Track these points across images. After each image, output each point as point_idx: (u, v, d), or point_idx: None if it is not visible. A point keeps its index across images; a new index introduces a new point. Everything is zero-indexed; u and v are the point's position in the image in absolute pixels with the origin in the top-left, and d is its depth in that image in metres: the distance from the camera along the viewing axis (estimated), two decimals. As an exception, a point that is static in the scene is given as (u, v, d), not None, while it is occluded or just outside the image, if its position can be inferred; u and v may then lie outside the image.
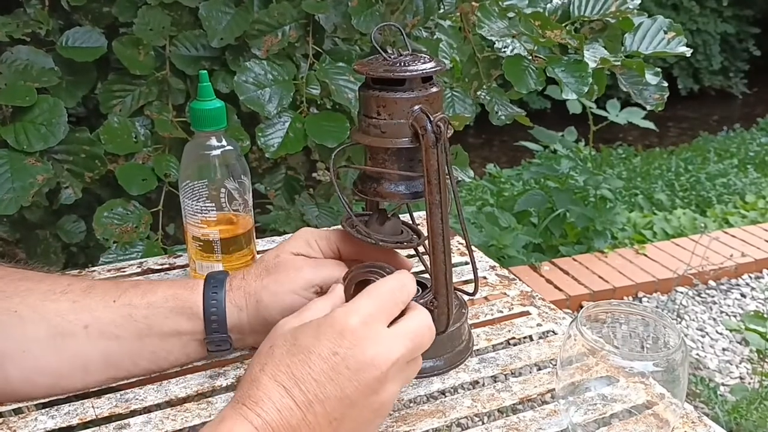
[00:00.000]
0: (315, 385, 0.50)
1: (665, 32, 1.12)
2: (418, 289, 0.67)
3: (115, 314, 0.62)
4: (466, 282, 0.83)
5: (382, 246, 0.64)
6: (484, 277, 0.85)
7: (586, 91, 1.08)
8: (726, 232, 2.78)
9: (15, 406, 0.62)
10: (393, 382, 0.53)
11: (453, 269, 0.66)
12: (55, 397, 0.63)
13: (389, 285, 0.56)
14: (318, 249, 0.67)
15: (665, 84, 1.14)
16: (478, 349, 0.71)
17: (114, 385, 0.65)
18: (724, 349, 2.17)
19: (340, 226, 0.67)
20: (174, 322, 0.63)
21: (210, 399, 0.63)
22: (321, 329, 0.52)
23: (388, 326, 0.54)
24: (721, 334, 2.24)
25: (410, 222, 0.72)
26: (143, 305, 0.63)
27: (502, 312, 0.78)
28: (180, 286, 0.65)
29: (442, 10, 1.27)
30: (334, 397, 0.50)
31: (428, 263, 0.65)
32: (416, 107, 0.61)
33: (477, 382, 0.67)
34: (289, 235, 0.70)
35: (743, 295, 2.45)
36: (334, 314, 0.52)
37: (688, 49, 1.13)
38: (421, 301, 0.66)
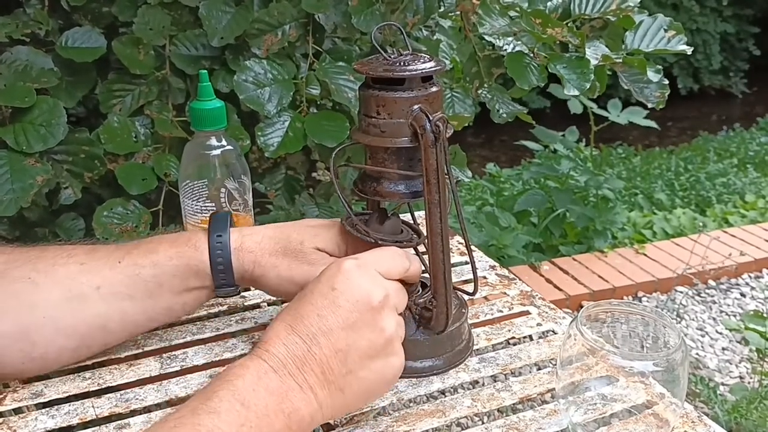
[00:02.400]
0: (317, 319, 0.53)
1: (665, 30, 1.12)
2: (417, 289, 0.67)
3: (123, 275, 0.63)
4: (466, 282, 0.83)
5: (381, 245, 0.64)
6: (484, 277, 0.85)
7: (588, 87, 1.08)
8: (726, 232, 2.78)
9: (15, 405, 0.62)
10: (389, 316, 0.56)
11: (453, 269, 0.67)
12: (55, 397, 0.63)
13: (388, 249, 0.62)
14: (345, 252, 0.67)
15: (666, 81, 1.14)
16: (478, 349, 0.71)
17: (114, 384, 0.65)
18: (723, 349, 2.17)
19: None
20: (182, 280, 0.65)
21: (210, 399, 0.63)
22: (321, 274, 0.57)
23: None
24: (720, 333, 2.24)
25: (411, 221, 0.72)
26: (149, 265, 0.64)
27: (502, 312, 0.78)
28: (182, 243, 0.65)
29: (442, 9, 1.27)
30: (337, 328, 0.53)
31: (428, 262, 0.65)
32: (416, 107, 0.61)
33: (477, 382, 0.67)
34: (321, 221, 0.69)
35: (743, 295, 2.45)
36: (333, 262, 0.57)
37: (689, 47, 1.14)
38: (420, 300, 0.66)
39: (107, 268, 0.63)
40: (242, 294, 0.81)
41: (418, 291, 0.67)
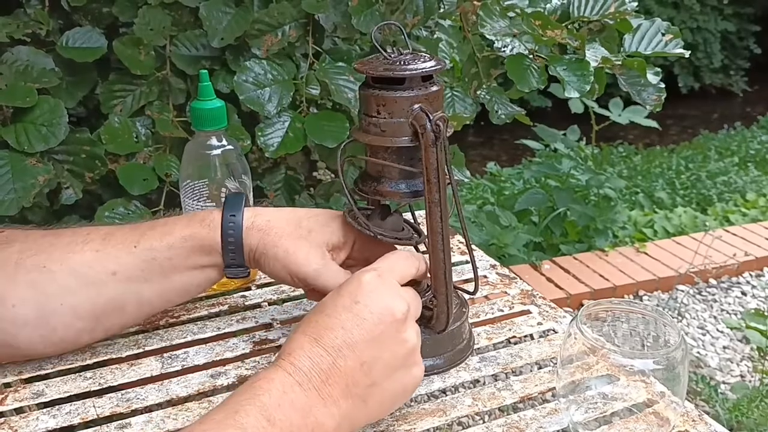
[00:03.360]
0: (342, 333, 0.53)
1: (663, 34, 1.13)
2: (426, 287, 0.67)
3: (138, 259, 0.64)
4: (467, 281, 0.83)
5: (380, 239, 0.64)
6: (485, 276, 0.85)
7: (588, 89, 1.08)
8: (727, 231, 2.78)
9: (17, 405, 0.62)
10: (411, 327, 0.57)
11: (453, 268, 0.67)
12: (56, 396, 0.63)
13: (399, 253, 0.62)
14: (350, 248, 0.68)
15: (662, 85, 1.15)
16: (478, 348, 0.71)
17: (115, 384, 0.65)
18: (724, 347, 2.17)
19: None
20: (195, 260, 0.65)
21: (211, 398, 0.63)
22: (341, 287, 0.57)
23: None
24: (721, 332, 2.24)
25: (411, 221, 0.72)
26: (164, 247, 0.64)
27: (502, 311, 0.78)
28: (197, 223, 0.66)
29: (442, 10, 1.27)
30: (362, 341, 0.54)
31: (428, 262, 0.65)
32: (416, 106, 0.61)
33: (478, 381, 0.67)
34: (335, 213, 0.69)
35: (744, 293, 2.45)
36: (352, 275, 0.58)
37: (686, 51, 1.15)
38: (422, 299, 0.66)
39: (124, 253, 0.64)
40: (243, 294, 0.81)
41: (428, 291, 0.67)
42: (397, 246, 0.68)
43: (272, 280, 0.82)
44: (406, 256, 0.61)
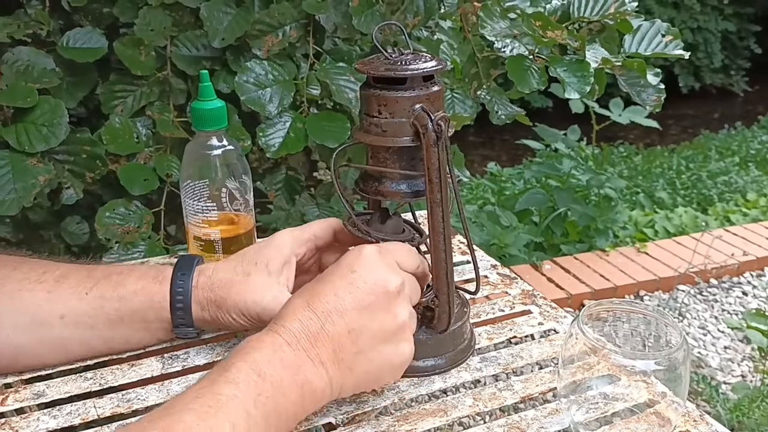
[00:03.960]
0: (334, 299, 0.55)
1: (663, 35, 1.13)
2: (430, 289, 0.67)
3: (88, 306, 0.65)
4: (468, 281, 0.83)
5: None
6: (486, 276, 0.85)
7: (588, 90, 1.08)
8: (727, 230, 2.78)
9: (17, 405, 0.62)
10: (403, 304, 0.58)
11: (454, 268, 0.66)
12: (57, 397, 0.63)
13: (406, 245, 0.63)
14: (293, 262, 0.67)
15: (662, 86, 1.15)
16: (479, 348, 0.71)
17: (116, 385, 0.65)
18: (725, 348, 2.16)
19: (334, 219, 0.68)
20: (142, 315, 0.66)
21: (212, 399, 0.63)
22: (342, 259, 0.58)
23: None
24: (722, 332, 2.24)
25: (412, 221, 0.72)
26: (114, 298, 0.65)
27: (503, 311, 0.78)
28: (150, 278, 0.66)
29: (442, 10, 1.27)
30: (352, 308, 0.55)
31: (430, 262, 0.65)
32: (417, 106, 0.61)
33: (478, 381, 0.67)
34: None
35: (745, 293, 2.45)
36: (354, 247, 0.59)
37: (686, 52, 1.15)
38: (423, 299, 0.66)
39: (74, 298, 0.64)
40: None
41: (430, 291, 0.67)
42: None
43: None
44: (409, 249, 0.62)
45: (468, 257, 0.74)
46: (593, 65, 1.09)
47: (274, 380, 0.51)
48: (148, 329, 0.67)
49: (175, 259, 0.69)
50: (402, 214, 0.70)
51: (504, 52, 1.17)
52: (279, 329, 0.54)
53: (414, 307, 0.64)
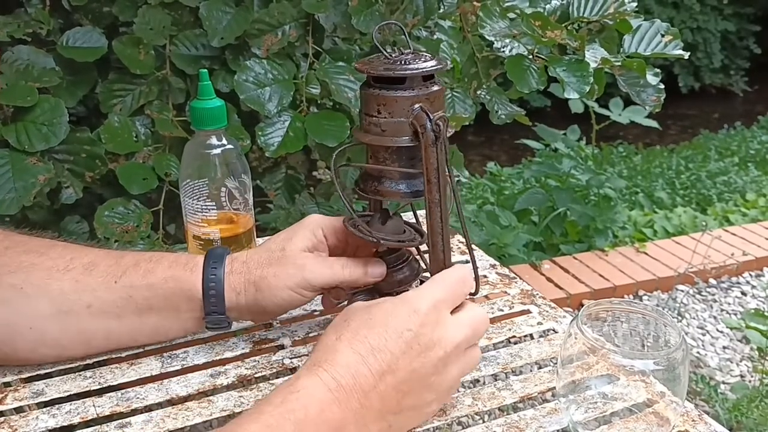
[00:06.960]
0: (390, 357, 0.53)
1: (662, 35, 1.13)
2: None
3: (116, 295, 0.64)
4: (467, 281, 0.83)
5: (383, 244, 0.64)
6: (485, 276, 0.85)
7: (587, 90, 1.08)
8: (727, 230, 2.78)
9: (16, 404, 0.62)
10: (454, 365, 0.57)
11: (453, 268, 0.67)
12: (56, 396, 0.63)
13: (455, 276, 0.60)
14: (325, 243, 0.68)
15: (662, 86, 1.15)
16: (478, 348, 0.71)
17: (115, 383, 0.65)
18: (724, 347, 2.17)
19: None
20: (173, 303, 0.65)
21: (211, 398, 0.63)
22: (396, 308, 0.56)
23: (451, 313, 0.58)
24: (721, 332, 2.24)
25: (413, 221, 0.72)
26: (144, 287, 0.64)
27: (502, 310, 0.78)
28: (180, 265, 0.66)
29: (442, 10, 1.27)
30: (405, 370, 0.54)
31: (429, 262, 0.65)
32: (416, 106, 0.61)
33: (477, 381, 0.67)
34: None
35: (744, 293, 2.45)
36: (406, 296, 0.57)
37: (685, 52, 1.15)
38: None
39: (103, 288, 0.63)
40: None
41: None
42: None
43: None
44: (459, 280, 0.60)
45: (467, 257, 0.74)
46: (592, 65, 1.09)
47: None
48: (178, 318, 0.66)
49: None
50: (402, 215, 0.70)
51: (503, 51, 1.16)
52: (328, 380, 0.52)
53: None
